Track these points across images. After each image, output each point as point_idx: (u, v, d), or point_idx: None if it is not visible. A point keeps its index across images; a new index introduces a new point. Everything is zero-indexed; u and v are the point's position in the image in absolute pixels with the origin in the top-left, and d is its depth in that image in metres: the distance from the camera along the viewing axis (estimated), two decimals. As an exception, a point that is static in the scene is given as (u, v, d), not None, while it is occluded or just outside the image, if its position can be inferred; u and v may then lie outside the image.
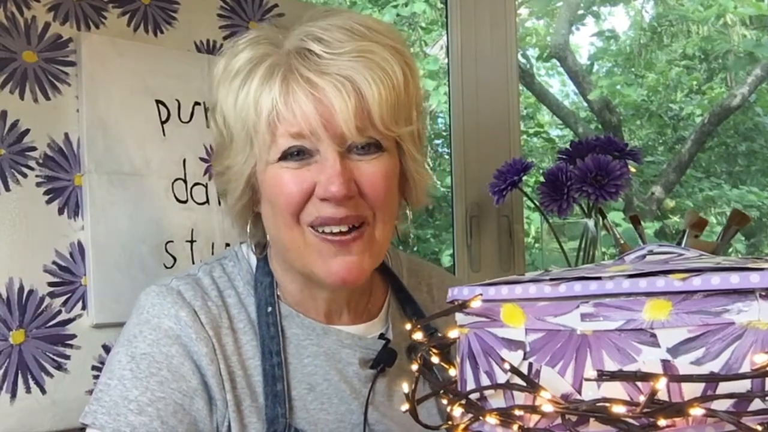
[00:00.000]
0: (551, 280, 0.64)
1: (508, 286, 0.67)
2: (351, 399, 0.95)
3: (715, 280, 0.58)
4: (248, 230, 0.97)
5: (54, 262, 1.13)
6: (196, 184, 1.27)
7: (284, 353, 0.93)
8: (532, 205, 1.11)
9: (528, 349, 0.65)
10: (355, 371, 0.96)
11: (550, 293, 0.64)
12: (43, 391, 1.09)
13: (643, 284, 0.60)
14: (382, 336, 0.99)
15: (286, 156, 0.88)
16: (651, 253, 0.72)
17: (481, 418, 0.67)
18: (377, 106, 0.86)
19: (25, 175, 1.11)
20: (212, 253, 1.27)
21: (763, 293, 0.58)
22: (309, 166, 0.88)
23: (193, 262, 1.24)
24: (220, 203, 1.30)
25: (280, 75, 0.87)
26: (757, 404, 0.57)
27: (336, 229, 0.88)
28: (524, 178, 1.30)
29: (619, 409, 0.58)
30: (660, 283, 0.60)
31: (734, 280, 0.58)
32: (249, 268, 0.98)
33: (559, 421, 0.61)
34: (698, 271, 0.59)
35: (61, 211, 1.14)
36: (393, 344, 0.98)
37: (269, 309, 0.94)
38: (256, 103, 0.87)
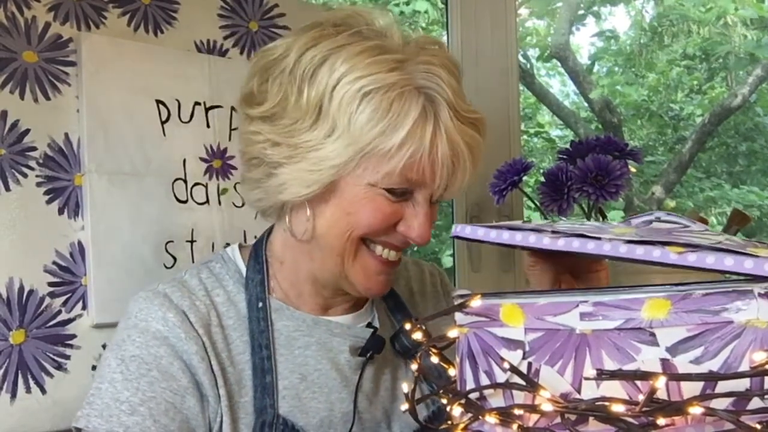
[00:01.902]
0: (553, 232, 0.65)
1: (510, 232, 0.67)
2: (341, 387, 0.97)
3: (710, 260, 0.59)
4: (304, 215, 0.94)
5: (54, 262, 1.13)
6: (196, 184, 1.27)
7: (274, 345, 0.95)
8: (532, 205, 1.11)
9: (527, 348, 0.65)
10: (346, 359, 0.98)
11: (548, 245, 0.64)
12: (43, 391, 1.10)
13: (640, 251, 0.61)
14: (369, 324, 1.02)
15: (392, 189, 0.90)
16: (658, 220, 0.72)
17: (480, 417, 0.67)
18: (472, 172, 0.94)
19: (25, 175, 1.11)
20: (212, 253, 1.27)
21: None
22: (402, 203, 0.92)
23: (193, 262, 1.24)
24: (220, 203, 1.30)
25: (431, 125, 0.88)
26: (756, 403, 0.58)
27: (393, 257, 0.94)
28: (524, 178, 1.30)
29: (618, 408, 0.58)
30: (656, 253, 0.60)
31: (728, 262, 0.58)
32: (237, 268, 1.00)
33: (558, 420, 0.61)
34: (697, 247, 0.59)
35: (61, 211, 1.14)
36: (379, 333, 1.01)
37: (260, 304, 0.96)
38: (401, 141, 0.87)
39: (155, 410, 0.88)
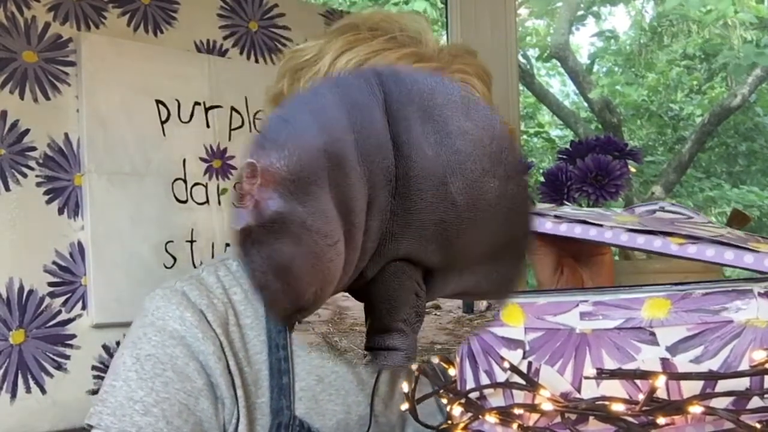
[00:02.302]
0: (556, 217, 0.65)
1: None
2: (358, 390, 0.96)
3: (710, 252, 0.58)
4: None
5: (54, 262, 1.13)
6: (196, 184, 1.28)
7: (291, 346, 0.94)
8: (532, 205, 1.11)
9: (527, 347, 0.65)
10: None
11: (551, 229, 0.64)
12: (43, 391, 1.10)
13: (641, 240, 0.60)
14: None
15: None
16: (662, 209, 0.72)
17: (480, 416, 0.66)
18: None
19: (25, 175, 1.11)
20: (212, 253, 1.27)
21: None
22: None
23: (193, 262, 1.25)
24: (220, 203, 1.30)
25: None
26: (755, 402, 0.57)
27: None
28: (524, 177, 1.30)
29: (618, 408, 0.58)
30: (657, 243, 0.60)
31: (728, 256, 0.58)
32: None
33: (558, 419, 0.61)
34: (698, 239, 0.59)
35: (61, 211, 1.14)
36: None
37: None
38: None
39: (168, 411, 0.87)
